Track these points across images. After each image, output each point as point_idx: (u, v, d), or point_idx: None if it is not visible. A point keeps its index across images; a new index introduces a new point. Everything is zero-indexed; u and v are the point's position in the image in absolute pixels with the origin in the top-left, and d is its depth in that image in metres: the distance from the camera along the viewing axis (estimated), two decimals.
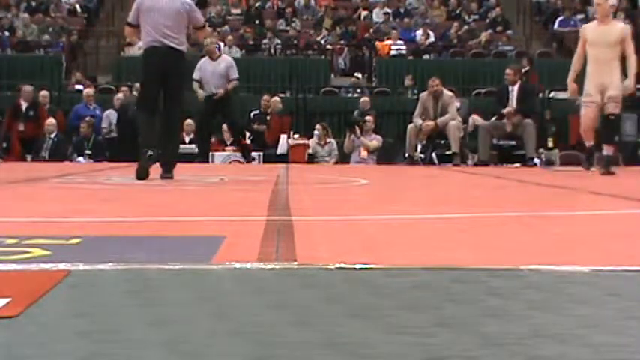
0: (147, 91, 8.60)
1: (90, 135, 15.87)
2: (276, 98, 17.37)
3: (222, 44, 21.21)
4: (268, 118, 16.88)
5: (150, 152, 8.14)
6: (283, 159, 16.08)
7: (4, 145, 15.87)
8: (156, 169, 8.20)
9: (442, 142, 14.32)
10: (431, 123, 13.97)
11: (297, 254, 2.95)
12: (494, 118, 14.20)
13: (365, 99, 17.92)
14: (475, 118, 14.74)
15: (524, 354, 1.61)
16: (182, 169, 10.84)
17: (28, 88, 16.56)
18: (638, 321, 1.94)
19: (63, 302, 2.09)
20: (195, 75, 14.01)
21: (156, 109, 8.47)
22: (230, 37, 21.78)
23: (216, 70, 13.87)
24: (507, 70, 14.49)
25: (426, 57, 22.23)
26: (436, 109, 14.08)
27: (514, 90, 14.03)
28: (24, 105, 16.32)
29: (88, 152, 15.76)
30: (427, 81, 14.83)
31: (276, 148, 16.77)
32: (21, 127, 16.04)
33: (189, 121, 17.19)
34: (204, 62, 14.27)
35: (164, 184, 7.79)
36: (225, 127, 15.20)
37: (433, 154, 14.63)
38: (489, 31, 23.17)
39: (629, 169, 14.03)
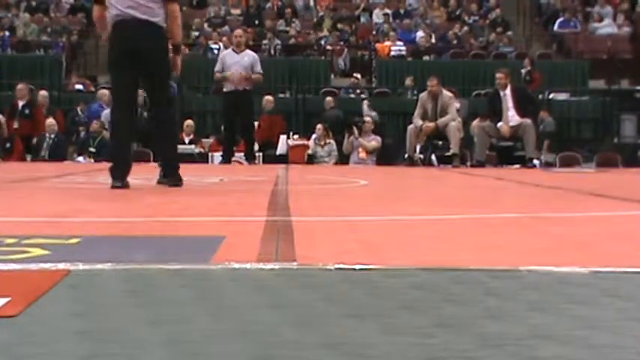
0: (118, 80, 6.96)
1: (99, 133, 15.80)
2: (269, 97, 17.32)
3: (221, 44, 21.21)
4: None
5: (119, 183, 6.59)
6: (283, 159, 16.08)
7: (7, 145, 15.86)
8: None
9: (442, 142, 14.28)
10: (431, 124, 13.94)
11: (297, 254, 2.96)
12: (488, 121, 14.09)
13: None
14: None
15: (523, 355, 1.62)
16: (181, 169, 10.83)
17: (21, 86, 16.53)
18: (638, 322, 1.95)
19: (62, 302, 2.09)
20: (218, 67, 13.74)
21: (134, 105, 7.04)
22: (226, 38, 21.74)
23: (240, 62, 13.60)
24: (498, 75, 14.01)
25: (426, 58, 22.24)
26: (435, 109, 14.04)
27: (507, 95, 13.82)
28: (20, 103, 16.35)
29: (92, 150, 15.71)
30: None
31: (275, 148, 16.77)
32: (15, 125, 16.06)
33: (189, 122, 17.22)
34: (227, 54, 14.09)
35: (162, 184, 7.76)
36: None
37: (433, 155, 14.61)
38: (492, 34, 23.23)
39: (629, 170, 14.04)
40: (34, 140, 15.91)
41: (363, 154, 15.88)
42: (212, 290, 2.28)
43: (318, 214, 4.87)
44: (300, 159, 16.21)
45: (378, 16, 24.46)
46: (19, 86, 16.50)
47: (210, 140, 17.20)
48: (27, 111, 16.25)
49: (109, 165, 6.91)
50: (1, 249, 2.99)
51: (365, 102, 18.19)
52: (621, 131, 19.54)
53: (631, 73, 22.07)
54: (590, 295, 2.27)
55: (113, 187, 6.60)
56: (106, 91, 17.07)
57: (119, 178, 6.63)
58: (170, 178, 7.07)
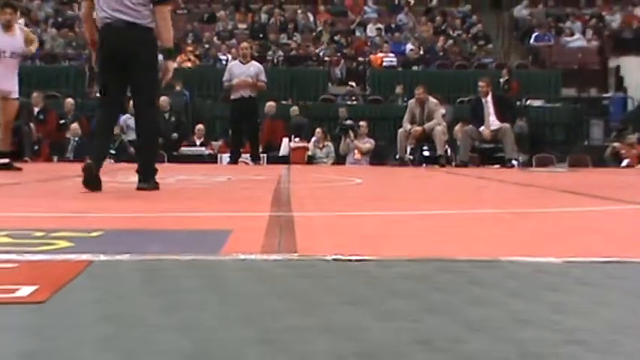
0: (104, 83, 6.24)
1: (118, 136, 15.77)
2: (271, 103, 17.33)
3: (229, 56, 21.19)
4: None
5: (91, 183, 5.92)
6: (285, 160, 16.09)
7: (36, 147, 15.86)
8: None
9: (429, 145, 14.28)
10: (419, 128, 13.95)
11: (298, 247, 2.95)
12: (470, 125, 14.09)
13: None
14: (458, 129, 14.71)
15: (504, 337, 1.61)
16: (191, 169, 10.83)
17: (36, 94, 16.60)
18: (606, 307, 1.94)
19: (85, 290, 2.08)
20: (226, 76, 13.73)
21: (117, 108, 6.52)
22: (234, 50, 21.71)
23: (246, 72, 13.56)
24: (480, 83, 13.99)
25: (414, 68, 22.23)
26: (422, 115, 14.05)
27: (488, 102, 13.82)
28: (35, 109, 16.43)
29: (111, 152, 15.71)
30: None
31: (277, 150, 16.78)
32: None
33: (200, 126, 17.20)
34: (235, 64, 14.04)
35: (175, 183, 7.76)
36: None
37: (421, 156, 14.61)
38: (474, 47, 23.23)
39: (597, 170, 14.04)
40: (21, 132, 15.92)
41: (358, 155, 15.89)
42: (221, 279, 2.27)
43: (317, 210, 4.86)
44: (300, 160, 16.21)
45: (371, 30, 24.45)
46: (34, 94, 16.59)
47: (219, 143, 17.20)
48: (41, 116, 16.37)
49: (83, 162, 6.10)
50: (30, 241, 2.99)
51: (340, 109, 18.27)
52: (590, 135, 19.59)
53: (598, 82, 22.13)
54: (564, 282, 2.27)
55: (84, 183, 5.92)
56: None
57: (92, 180, 5.94)
58: (146, 182, 6.25)
